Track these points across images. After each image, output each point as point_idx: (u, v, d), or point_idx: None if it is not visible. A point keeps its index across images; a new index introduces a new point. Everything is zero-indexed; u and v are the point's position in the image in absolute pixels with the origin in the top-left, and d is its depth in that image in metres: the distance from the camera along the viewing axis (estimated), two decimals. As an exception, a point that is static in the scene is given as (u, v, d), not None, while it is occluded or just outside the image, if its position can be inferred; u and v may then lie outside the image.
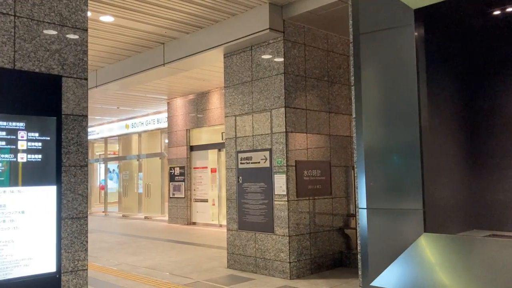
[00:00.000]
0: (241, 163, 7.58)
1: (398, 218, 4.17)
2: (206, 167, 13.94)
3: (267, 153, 7.17)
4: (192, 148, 14.30)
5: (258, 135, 7.33)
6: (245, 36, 7.17)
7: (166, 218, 15.24)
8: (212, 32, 7.78)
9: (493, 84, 5.38)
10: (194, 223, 14.02)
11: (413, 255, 4.02)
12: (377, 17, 4.46)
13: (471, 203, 5.31)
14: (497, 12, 4.65)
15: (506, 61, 5.28)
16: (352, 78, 4.57)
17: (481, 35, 5.39)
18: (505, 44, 5.26)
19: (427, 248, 4.03)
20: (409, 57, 4.20)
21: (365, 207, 4.33)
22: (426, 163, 4.18)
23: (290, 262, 6.80)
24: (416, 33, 4.23)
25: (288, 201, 6.86)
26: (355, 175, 4.51)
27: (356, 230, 6.46)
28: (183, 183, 14.22)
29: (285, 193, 6.88)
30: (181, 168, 14.35)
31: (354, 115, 4.50)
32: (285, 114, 6.95)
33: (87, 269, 3.24)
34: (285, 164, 6.90)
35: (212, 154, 13.83)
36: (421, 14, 4.25)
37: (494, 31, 5.25)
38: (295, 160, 7.02)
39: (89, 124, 11.80)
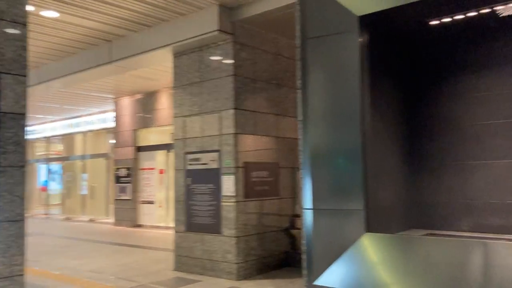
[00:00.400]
0: (189, 164, 7.53)
1: (341, 218, 4.30)
2: (154, 168, 13.72)
3: (216, 155, 7.16)
4: (139, 149, 14.03)
5: (207, 136, 7.31)
6: (194, 37, 7.13)
7: (112, 220, 14.86)
8: (161, 32, 7.68)
9: (433, 90, 5.65)
10: (140, 226, 13.76)
11: (355, 254, 4.16)
12: (324, 22, 4.58)
13: (410, 204, 5.55)
14: (435, 22, 4.90)
15: (445, 68, 5.56)
16: (299, 82, 4.67)
17: (421, 43, 5.65)
18: (443, 52, 5.55)
19: (369, 247, 4.18)
20: (353, 62, 4.34)
21: (310, 207, 4.44)
22: (368, 165, 4.33)
23: (237, 263, 6.83)
24: (360, 39, 4.38)
25: (236, 202, 6.88)
26: (301, 176, 4.60)
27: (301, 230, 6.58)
28: (130, 184, 13.93)
29: (233, 194, 6.89)
30: (127, 169, 14.05)
31: (300, 118, 4.59)
32: (234, 116, 6.97)
33: (24, 274, 3.12)
34: (233, 165, 6.92)
35: (160, 155, 13.63)
36: (366, 21, 4.41)
37: (433, 40, 5.52)
38: (244, 162, 7.06)
39: (30, 123, 11.31)
